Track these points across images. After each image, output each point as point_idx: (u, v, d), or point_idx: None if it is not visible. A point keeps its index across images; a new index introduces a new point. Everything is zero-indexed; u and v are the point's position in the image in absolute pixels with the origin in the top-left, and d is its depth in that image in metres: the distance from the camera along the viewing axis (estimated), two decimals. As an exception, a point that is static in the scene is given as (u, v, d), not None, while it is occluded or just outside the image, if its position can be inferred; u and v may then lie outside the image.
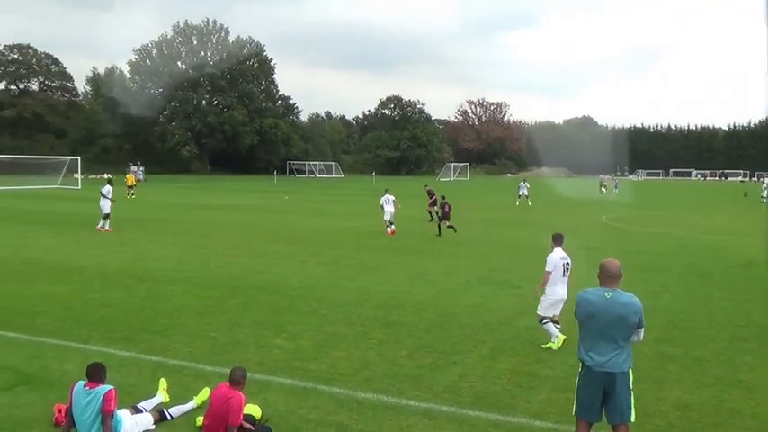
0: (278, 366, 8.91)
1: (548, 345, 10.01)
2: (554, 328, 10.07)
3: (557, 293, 10.12)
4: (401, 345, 10.07)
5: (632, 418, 5.85)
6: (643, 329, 5.90)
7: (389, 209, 26.09)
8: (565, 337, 9.97)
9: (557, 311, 10.20)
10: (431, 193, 31.66)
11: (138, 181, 69.62)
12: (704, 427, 7.25)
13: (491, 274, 16.65)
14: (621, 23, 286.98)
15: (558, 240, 10.38)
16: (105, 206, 24.67)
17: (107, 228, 24.36)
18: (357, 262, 18.18)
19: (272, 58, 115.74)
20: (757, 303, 13.79)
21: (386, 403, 7.67)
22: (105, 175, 57.19)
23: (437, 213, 27.41)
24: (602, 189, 67.87)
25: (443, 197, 26.49)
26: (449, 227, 25.14)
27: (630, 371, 5.84)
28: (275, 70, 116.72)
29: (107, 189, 24.91)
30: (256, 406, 7.00)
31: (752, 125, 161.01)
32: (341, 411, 7.40)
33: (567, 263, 10.17)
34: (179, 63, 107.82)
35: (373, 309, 12.44)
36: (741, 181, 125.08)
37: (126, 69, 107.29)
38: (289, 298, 13.22)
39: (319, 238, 23.49)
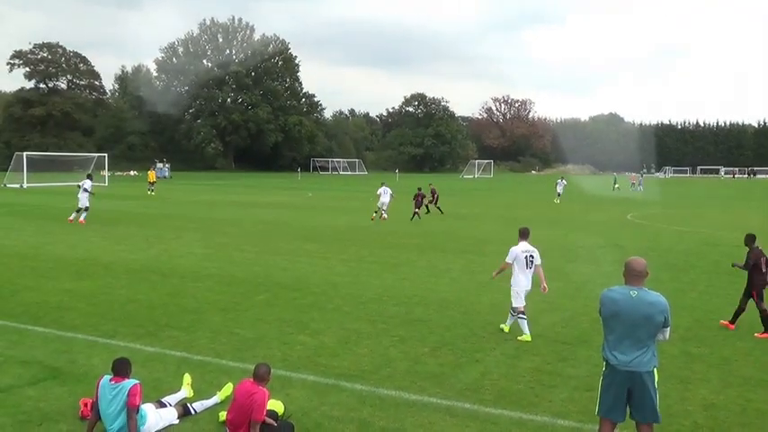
0: (301, 363, 8.95)
1: (523, 337, 10.31)
2: (525, 325, 10.40)
3: (519, 284, 10.50)
4: (423, 342, 10.06)
5: (659, 419, 5.79)
6: (669, 329, 5.83)
7: (384, 199, 30.02)
8: (507, 328, 10.72)
9: (524, 301, 10.55)
10: (433, 192, 34.09)
11: (164, 178, 70.53)
12: (730, 428, 7.15)
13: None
14: (647, 21, 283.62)
15: (523, 234, 10.78)
16: (84, 199, 25.72)
17: (81, 219, 25.41)
18: (379, 259, 18.20)
19: (296, 56, 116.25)
20: None
21: (408, 400, 7.68)
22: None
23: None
24: (616, 186, 67.66)
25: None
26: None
27: (656, 370, 5.78)
28: (299, 68, 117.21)
29: (89, 184, 26.18)
30: (279, 402, 7.04)
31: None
32: (363, 408, 7.42)
33: (531, 255, 10.54)
34: (204, 61, 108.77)
35: (395, 306, 12.44)
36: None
37: (153, 67, 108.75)
38: (312, 295, 13.27)
39: (342, 236, 23.54)
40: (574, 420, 7.20)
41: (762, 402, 7.89)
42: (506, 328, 10.74)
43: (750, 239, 11.46)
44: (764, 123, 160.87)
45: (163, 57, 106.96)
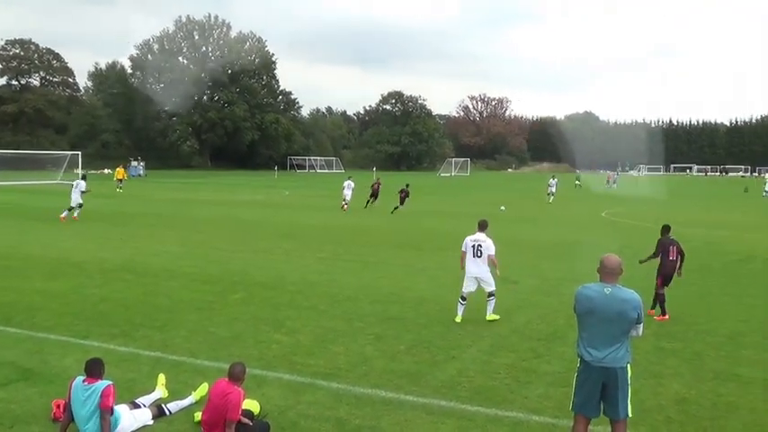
0: (277, 361, 8.92)
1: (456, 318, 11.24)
2: (460, 308, 11.29)
3: (468, 270, 11.26)
4: (399, 340, 10.08)
5: (630, 414, 5.86)
6: (642, 325, 5.90)
7: (347, 192, 34.04)
8: (497, 317, 11.27)
9: (471, 288, 11.29)
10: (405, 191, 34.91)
11: (139, 176, 69.83)
12: (702, 421, 7.26)
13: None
14: (625, 21, 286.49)
15: (479, 225, 11.49)
16: (77, 198, 26.23)
17: (75, 216, 25.98)
18: (356, 257, 18.19)
19: (273, 54, 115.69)
20: (757, 298, 13.79)
21: (384, 398, 7.68)
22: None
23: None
24: (577, 183, 68.87)
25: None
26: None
27: (629, 366, 5.85)
28: (276, 65, 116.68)
29: (83, 185, 26.69)
30: (254, 401, 7.00)
31: (753, 121, 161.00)
32: (339, 406, 7.41)
33: (479, 245, 11.16)
34: (180, 58, 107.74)
35: (372, 304, 12.45)
36: (742, 176, 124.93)
37: (127, 65, 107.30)
38: (288, 293, 13.23)
39: (319, 234, 23.49)
40: (549, 416, 7.26)
41: (732, 396, 8.01)
42: (458, 319, 11.29)
43: (664, 230, 12.31)
44: (736, 122, 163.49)
45: (138, 54, 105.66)
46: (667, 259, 11.90)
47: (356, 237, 22.97)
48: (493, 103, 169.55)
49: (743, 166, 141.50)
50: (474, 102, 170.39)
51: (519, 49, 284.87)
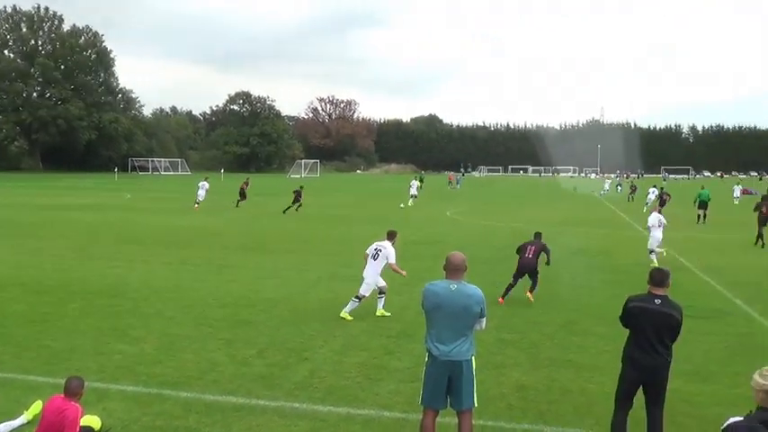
0: (120, 373, 8.48)
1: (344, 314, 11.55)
2: (350, 306, 11.59)
3: (365, 273, 11.71)
4: (251, 344, 9.92)
5: (475, 404, 6.14)
6: (485, 319, 6.20)
7: (201, 192, 36.11)
8: (350, 318, 11.49)
9: (366, 292, 11.69)
10: (297, 192, 35.05)
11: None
12: (539, 405, 7.75)
13: (342, 269, 16.75)
14: (463, 28, 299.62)
15: (389, 234, 12.08)
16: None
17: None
18: (205, 261, 17.69)
19: (111, 50, 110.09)
20: (588, 288, 14.95)
21: (235, 404, 7.54)
22: None
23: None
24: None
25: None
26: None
27: (473, 358, 6.11)
28: (115, 62, 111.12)
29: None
30: (95, 417, 6.60)
31: (580, 125, 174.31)
32: (188, 416, 7.18)
33: (377, 250, 11.70)
34: (6, 52, 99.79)
35: (221, 308, 12.17)
36: (571, 176, 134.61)
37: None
38: (131, 301, 12.63)
39: (165, 238, 22.62)
40: (399, 411, 7.44)
41: (565, 381, 8.63)
42: (347, 317, 11.49)
43: (536, 235, 14.17)
44: (565, 126, 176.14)
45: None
46: (524, 256, 13.44)
47: (204, 240, 22.33)
48: (341, 105, 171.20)
49: (572, 167, 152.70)
50: (323, 103, 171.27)
51: (365, 52, 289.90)
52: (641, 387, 6.32)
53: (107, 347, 9.59)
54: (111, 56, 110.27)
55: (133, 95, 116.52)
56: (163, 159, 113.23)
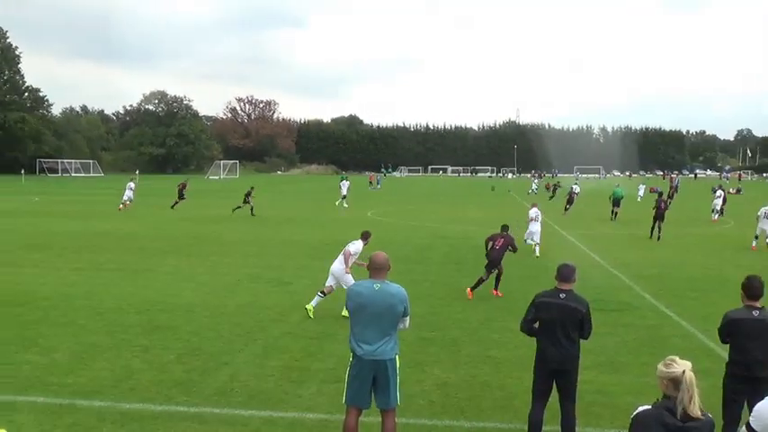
0: (29, 384, 8.11)
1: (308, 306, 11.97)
2: (315, 301, 11.99)
3: (333, 266, 12.19)
4: (168, 350, 9.68)
5: (398, 402, 6.18)
6: (409, 318, 6.27)
7: (129, 193, 36.19)
8: (311, 309, 11.88)
9: (330, 282, 12.11)
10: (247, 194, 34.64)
11: None
12: (460, 401, 7.89)
13: (263, 272, 16.59)
14: (386, 26, 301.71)
15: (363, 235, 12.55)
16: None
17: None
18: (118, 266, 17.11)
19: (16, 46, 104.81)
20: (504, 284, 15.25)
21: (153, 412, 7.34)
22: None
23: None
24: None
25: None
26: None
27: (397, 357, 6.17)
28: (21, 59, 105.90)
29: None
30: (2, 430, 6.28)
31: (497, 126, 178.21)
32: (102, 425, 6.94)
33: (347, 246, 12.15)
34: None
35: (137, 314, 11.81)
36: (489, 176, 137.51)
37: None
38: (41, 309, 12.09)
39: (76, 243, 21.74)
40: (322, 413, 7.41)
41: (485, 376, 8.82)
42: (310, 312, 11.84)
43: (502, 228, 14.73)
44: (483, 127, 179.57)
45: None
46: (492, 248, 13.97)
47: (119, 244, 21.59)
48: (261, 106, 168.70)
49: (490, 167, 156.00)
50: (242, 104, 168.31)
51: (284, 52, 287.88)
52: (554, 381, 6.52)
53: (15, 358, 9.14)
54: (17, 53, 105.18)
55: (41, 94, 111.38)
56: (74, 161, 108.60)
